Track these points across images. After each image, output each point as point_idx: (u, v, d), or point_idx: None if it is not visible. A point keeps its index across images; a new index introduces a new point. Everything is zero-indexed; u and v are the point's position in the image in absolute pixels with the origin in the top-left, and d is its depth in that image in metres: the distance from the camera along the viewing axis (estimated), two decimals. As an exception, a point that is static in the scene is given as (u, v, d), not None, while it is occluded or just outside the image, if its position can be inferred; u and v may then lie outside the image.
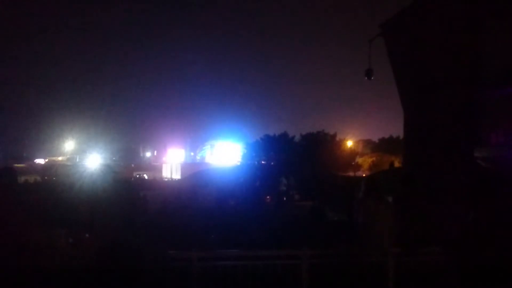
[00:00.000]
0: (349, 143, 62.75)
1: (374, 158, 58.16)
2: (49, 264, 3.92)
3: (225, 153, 69.21)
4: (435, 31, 7.50)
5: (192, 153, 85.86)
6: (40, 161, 74.54)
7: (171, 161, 73.31)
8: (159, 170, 69.14)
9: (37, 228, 4.53)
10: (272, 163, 50.75)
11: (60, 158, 75.49)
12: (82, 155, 71.08)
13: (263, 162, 53.89)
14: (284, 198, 23.51)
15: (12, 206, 4.65)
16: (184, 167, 61.17)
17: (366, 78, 8.93)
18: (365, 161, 59.37)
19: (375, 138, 68.11)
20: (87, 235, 4.84)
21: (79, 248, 4.59)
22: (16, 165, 61.95)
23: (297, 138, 60.18)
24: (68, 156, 75.61)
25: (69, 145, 79.60)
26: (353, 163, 57.67)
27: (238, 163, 53.66)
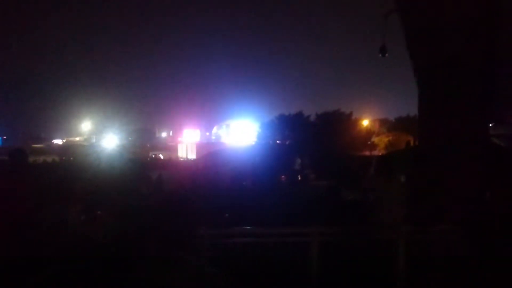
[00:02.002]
0: (365, 122, 62.30)
1: (390, 137, 57.64)
2: (61, 240, 4.01)
3: (240, 132, 69.27)
4: (451, 6, 7.32)
5: (207, 133, 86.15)
6: (58, 141, 75.78)
7: (186, 141, 73.68)
8: (175, 150, 69.60)
9: (51, 206, 4.63)
10: (287, 143, 50.75)
11: (77, 139, 76.67)
12: (99, 135, 72.04)
13: (278, 141, 53.90)
14: (299, 178, 23.54)
15: (24, 185, 4.74)
16: (200, 147, 61.50)
17: (380, 55, 8.81)
18: (382, 141, 58.89)
19: (392, 117, 67.42)
20: (99, 212, 4.91)
21: (90, 224, 4.67)
22: (34, 145, 63.19)
23: (313, 117, 59.91)
24: (85, 137, 76.71)
25: (86, 125, 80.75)
26: (369, 143, 57.29)
27: (253, 143, 53.72)
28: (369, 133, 60.30)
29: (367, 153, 49.08)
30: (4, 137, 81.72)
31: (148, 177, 9.40)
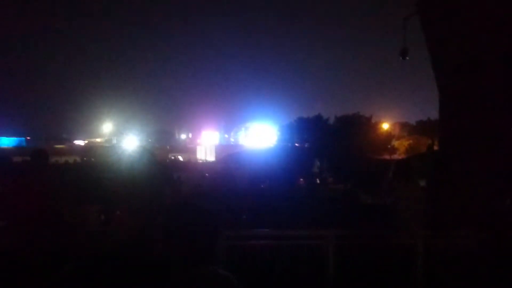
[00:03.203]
0: (385, 126, 61.78)
1: (411, 141, 57.17)
2: (80, 239, 4.08)
3: (259, 135, 69.38)
4: (475, 7, 7.21)
5: (226, 135, 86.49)
6: (79, 142, 77.04)
7: (205, 143, 74.11)
8: (194, 152, 70.07)
9: (71, 205, 4.71)
10: (305, 146, 50.63)
11: (98, 140, 77.87)
12: (119, 136, 73.00)
13: (296, 144, 53.78)
14: (318, 181, 23.42)
15: (45, 185, 4.83)
16: (218, 149, 61.75)
17: (401, 58, 8.71)
18: (402, 144, 58.42)
19: (413, 120, 66.86)
20: (118, 212, 4.97)
21: (109, 224, 4.74)
22: (56, 146, 64.29)
23: (332, 120, 59.67)
24: (106, 138, 77.87)
25: (107, 127, 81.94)
26: (389, 146, 56.81)
27: (272, 145, 53.71)
28: (389, 136, 59.80)
29: (387, 156, 48.67)
30: (28, 137, 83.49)
31: (172, 178, 9.45)
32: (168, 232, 2.15)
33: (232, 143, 77.51)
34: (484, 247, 5.25)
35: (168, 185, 5.94)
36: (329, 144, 44.39)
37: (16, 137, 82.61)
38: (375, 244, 5.46)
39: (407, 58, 8.71)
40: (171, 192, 5.83)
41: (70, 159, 33.22)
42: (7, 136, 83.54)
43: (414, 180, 5.84)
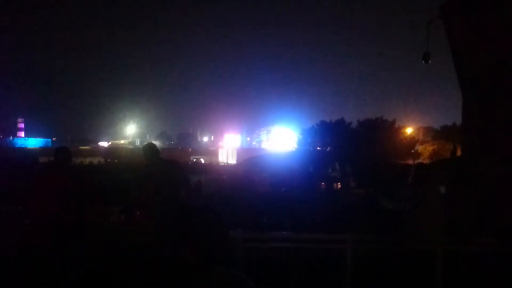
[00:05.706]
0: (409, 130, 61.10)
1: (435, 146, 56.43)
2: (101, 237, 4.16)
3: (281, 138, 69.38)
4: (498, 10, 7.08)
5: (248, 139, 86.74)
6: (103, 144, 78.37)
7: (227, 146, 74.48)
8: (216, 154, 70.46)
9: (94, 204, 4.80)
10: (328, 149, 50.37)
11: (122, 142, 79.10)
12: (143, 138, 74.00)
13: (318, 148, 53.55)
14: (339, 185, 23.22)
15: (67, 183, 4.92)
16: (240, 152, 61.96)
17: (423, 62, 8.61)
18: (426, 149, 57.71)
19: (437, 125, 66.04)
20: (138, 213, 5.04)
21: (129, 224, 4.82)
22: (81, 147, 65.50)
23: (354, 124, 59.26)
24: (129, 140, 79.05)
25: (130, 129, 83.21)
26: (412, 151, 56.12)
27: (294, 149, 53.62)
28: (413, 141, 59.09)
29: (410, 161, 48.09)
30: (53, 139, 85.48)
31: (188, 180, 9.50)
32: (180, 234, 2.18)
33: (254, 146, 77.68)
34: (506, 255, 5.16)
35: (184, 187, 5.98)
36: (351, 148, 44.07)
37: (43, 138, 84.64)
38: (393, 249, 5.42)
39: (430, 62, 8.60)
40: (186, 195, 5.86)
41: (95, 160, 33.79)
42: (34, 137, 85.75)
43: (435, 186, 5.76)
